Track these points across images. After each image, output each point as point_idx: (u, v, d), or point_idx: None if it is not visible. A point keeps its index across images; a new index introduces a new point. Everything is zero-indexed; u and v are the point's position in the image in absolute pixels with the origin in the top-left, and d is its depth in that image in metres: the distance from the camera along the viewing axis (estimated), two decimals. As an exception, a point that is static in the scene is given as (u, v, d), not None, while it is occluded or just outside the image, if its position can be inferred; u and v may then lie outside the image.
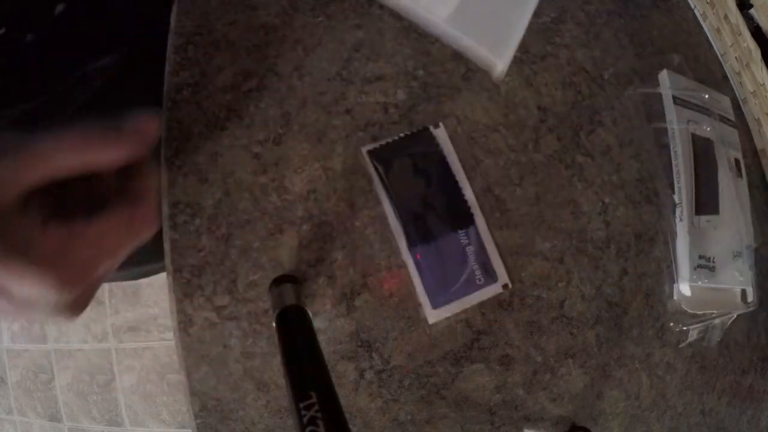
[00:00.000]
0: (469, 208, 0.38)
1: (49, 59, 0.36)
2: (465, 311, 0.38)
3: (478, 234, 0.38)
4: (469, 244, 0.38)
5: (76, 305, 0.24)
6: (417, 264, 0.37)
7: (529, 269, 0.39)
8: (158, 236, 0.34)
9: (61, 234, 0.23)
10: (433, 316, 0.37)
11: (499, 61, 0.19)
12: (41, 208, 0.23)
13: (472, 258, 0.38)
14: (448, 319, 0.37)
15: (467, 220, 0.38)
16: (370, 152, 0.38)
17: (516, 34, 0.20)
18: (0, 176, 0.21)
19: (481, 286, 0.38)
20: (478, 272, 0.38)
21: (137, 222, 0.25)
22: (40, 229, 0.22)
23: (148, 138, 0.24)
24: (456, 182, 0.38)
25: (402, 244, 0.37)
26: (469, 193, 0.38)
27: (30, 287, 0.22)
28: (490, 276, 0.38)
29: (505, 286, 0.38)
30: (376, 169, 0.38)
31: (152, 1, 0.40)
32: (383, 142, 0.38)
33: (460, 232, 0.38)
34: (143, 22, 0.39)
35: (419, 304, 0.37)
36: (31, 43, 0.35)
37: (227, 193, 0.36)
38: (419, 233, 0.37)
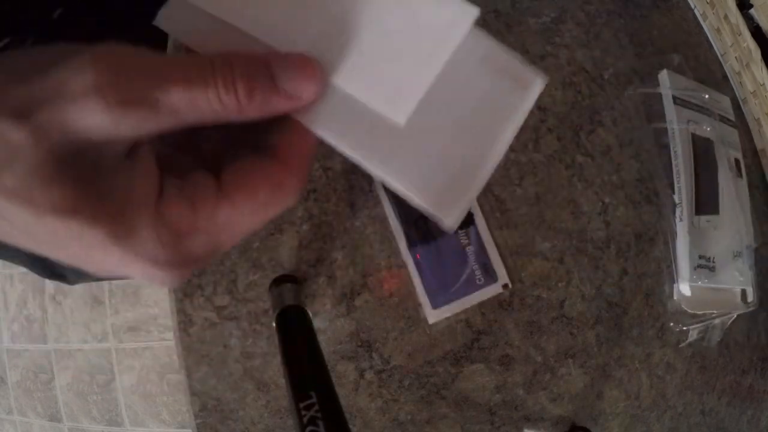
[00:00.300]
0: (469, 208, 0.38)
1: None
2: (465, 311, 0.38)
3: (478, 234, 0.38)
4: (469, 244, 0.38)
5: (177, 284, 0.19)
6: (417, 264, 0.37)
7: (529, 269, 0.39)
8: None
9: (182, 218, 0.16)
10: (433, 316, 0.37)
11: (447, 219, 0.18)
12: (151, 172, 0.16)
13: (472, 258, 0.38)
14: (448, 319, 0.37)
15: (467, 220, 0.38)
16: None
17: (472, 186, 0.18)
18: (120, 116, 0.14)
19: (481, 286, 0.38)
20: (478, 272, 0.38)
21: (286, 189, 0.17)
22: (152, 209, 0.15)
23: (307, 89, 0.17)
24: None
25: (402, 244, 0.37)
26: None
27: (130, 276, 0.16)
28: (490, 276, 0.38)
29: (505, 286, 0.38)
30: None
31: (151, 4, 0.40)
32: None
33: (460, 232, 0.38)
34: (142, 25, 0.39)
35: (419, 304, 0.37)
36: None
37: (227, 193, 0.36)
38: (419, 233, 0.37)
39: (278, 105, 0.16)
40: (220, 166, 0.17)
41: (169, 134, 0.16)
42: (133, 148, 0.16)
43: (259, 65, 0.16)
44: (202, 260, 0.17)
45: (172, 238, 0.16)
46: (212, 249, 0.17)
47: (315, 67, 0.17)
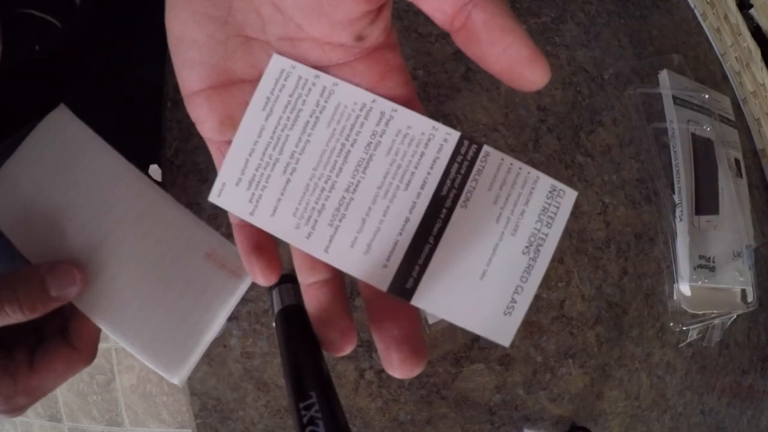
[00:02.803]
0: None
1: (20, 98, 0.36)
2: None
3: None
4: None
5: (17, 416, 0.27)
6: None
7: (529, 269, 0.39)
8: None
9: (7, 385, 0.24)
10: (434, 315, 0.37)
11: (175, 378, 0.26)
12: None
13: None
14: None
15: None
16: None
17: (193, 354, 0.26)
18: None
19: None
20: None
21: (76, 362, 0.26)
22: None
23: (73, 292, 0.25)
24: None
25: None
26: None
27: None
28: None
29: None
30: None
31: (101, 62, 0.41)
32: None
33: None
34: (91, 80, 0.40)
35: None
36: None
37: (227, 193, 0.36)
38: None
39: (53, 305, 0.24)
40: (38, 342, 0.25)
41: None
42: None
43: (36, 281, 0.23)
44: (24, 408, 0.25)
45: (3, 400, 0.24)
46: (32, 400, 0.25)
47: (76, 273, 0.24)
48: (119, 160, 0.26)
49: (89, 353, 0.26)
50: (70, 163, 0.26)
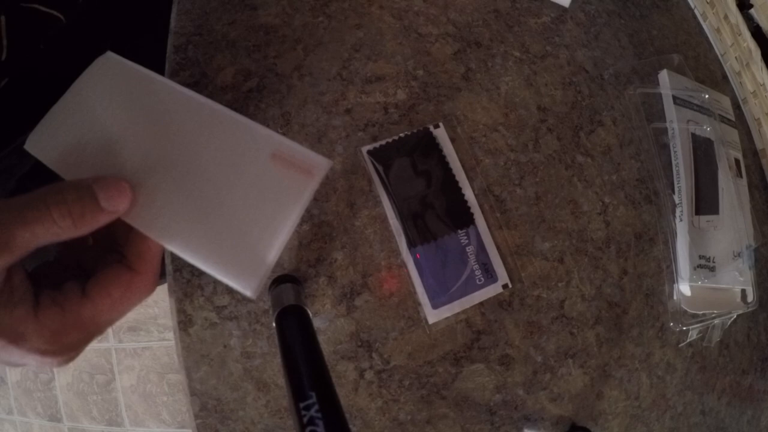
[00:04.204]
0: (469, 208, 0.38)
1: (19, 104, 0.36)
2: (465, 311, 0.38)
3: (478, 234, 0.38)
4: (469, 244, 0.38)
5: (67, 364, 0.24)
6: (417, 264, 0.37)
7: (529, 269, 0.39)
8: None
9: (57, 318, 0.21)
10: (433, 315, 0.37)
11: (248, 291, 0.23)
12: (27, 291, 0.22)
13: (472, 258, 0.38)
14: (447, 319, 0.37)
15: (467, 220, 0.38)
16: (370, 152, 0.38)
17: (267, 260, 0.23)
18: None
19: (481, 286, 0.38)
20: (478, 272, 0.38)
21: (135, 290, 0.23)
22: (32, 317, 0.21)
23: (122, 205, 0.23)
24: (456, 182, 0.38)
25: (402, 243, 0.37)
26: (469, 193, 0.38)
27: (24, 366, 0.22)
28: (490, 276, 0.38)
29: (504, 286, 0.38)
30: (376, 169, 0.38)
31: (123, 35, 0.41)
32: (383, 142, 0.38)
33: (460, 232, 0.38)
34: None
35: (419, 304, 0.37)
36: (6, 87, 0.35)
37: (227, 193, 0.36)
38: (419, 233, 0.37)
39: (102, 219, 0.22)
40: (90, 275, 0.23)
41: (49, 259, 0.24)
42: (7, 277, 0.21)
43: (85, 188, 0.22)
44: (78, 347, 0.23)
45: (51, 335, 0.21)
46: (84, 338, 0.22)
47: (125, 184, 0.23)
48: (167, 83, 0.26)
49: (151, 274, 0.24)
50: (119, 96, 0.26)
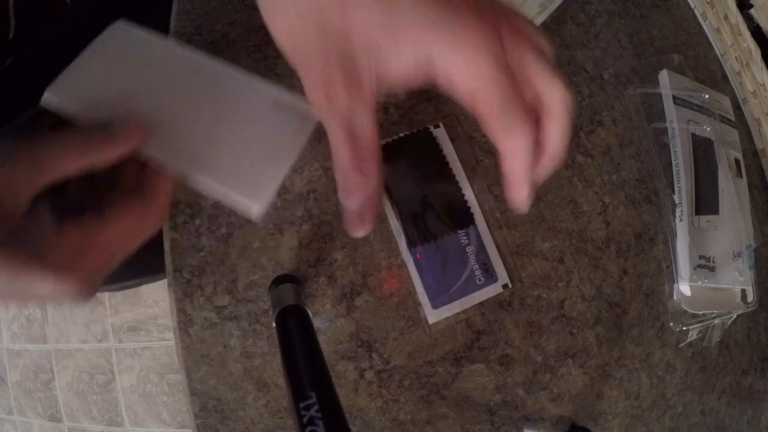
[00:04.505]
0: (469, 208, 0.38)
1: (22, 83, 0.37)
2: (465, 311, 0.38)
3: (478, 234, 0.38)
4: (469, 244, 0.38)
5: (86, 296, 0.25)
6: (417, 264, 0.37)
7: (529, 269, 0.39)
8: (156, 246, 0.35)
9: (76, 237, 0.24)
10: (434, 315, 0.37)
11: (255, 206, 0.26)
12: (53, 211, 0.24)
13: (472, 258, 0.38)
14: (447, 319, 0.37)
15: (467, 220, 0.38)
16: None
17: (273, 182, 0.27)
18: (16, 178, 0.22)
19: (481, 286, 0.38)
20: (478, 272, 0.38)
21: (149, 217, 0.26)
22: (55, 232, 0.23)
23: (138, 137, 0.26)
24: (456, 182, 0.38)
25: (402, 243, 0.37)
26: (469, 193, 0.38)
27: (45, 289, 0.23)
28: (490, 276, 0.38)
29: (504, 286, 0.38)
30: None
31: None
32: (383, 142, 0.38)
33: (460, 232, 0.38)
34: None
35: (419, 304, 0.37)
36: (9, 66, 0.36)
37: (227, 193, 0.36)
38: (419, 233, 0.37)
39: (121, 147, 0.25)
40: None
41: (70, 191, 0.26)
42: (33, 202, 0.23)
43: (106, 125, 0.25)
44: (98, 270, 0.24)
45: (71, 252, 0.23)
46: (103, 260, 0.24)
47: (140, 120, 0.26)
48: (176, 45, 0.29)
49: (162, 205, 0.27)
50: (131, 56, 0.29)
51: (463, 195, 0.38)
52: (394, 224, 0.37)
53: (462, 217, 0.38)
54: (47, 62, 0.36)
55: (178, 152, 0.27)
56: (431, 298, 0.37)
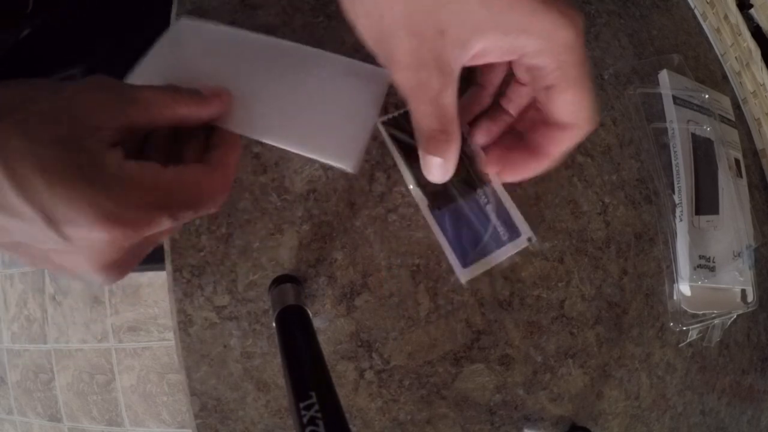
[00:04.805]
0: (484, 166, 0.38)
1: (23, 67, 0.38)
2: (465, 311, 0.38)
3: (495, 192, 0.38)
4: (488, 203, 0.37)
5: (121, 268, 0.24)
6: (441, 225, 0.37)
7: (529, 269, 0.39)
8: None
9: (134, 173, 0.22)
10: (465, 274, 0.36)
11: (348, 166, 0.28)
12: (118, 149, 0.23)
13: (493, 215, 0.37)
14: (478, 278, 0.36)
15: (483, 179, 0.38)
16: (384, 123, 0.38)
17: (361, 142, 0.29)
18: (99, 100, 0.22)
19: (506, 242, 0.37)
20: (500, 228, 0.37)
21: (212, 184, 0.26)
22: (118, 166, 0.22)
23: (226, 102, 0.27)
24: (470, 145, 0.38)
25: (423, 206, 0.37)
26: (482, 154, 0.38)
27: (89, 234, 0.21)
28: (514, 231, 0.37)
29: (529, 239, 0.38)
30: (393, 138, 0.37)
31: (123, 19, 0.43)
32: (396, 114, 0.38)
33: (478, 191, 0.37)
34: (112, 38, 0.42)
35: (450, 268, 0.36)
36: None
37: (227, 193, 0.36)
38: (440, 195, 0.37)
39: (206, 111, 0.26)
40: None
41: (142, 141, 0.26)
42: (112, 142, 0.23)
43: (195, 90, 0.26)
44: (149, 214, 0.22)
45: (129, 183, 0.22)
46: (154, 205, 0.23)
47: (225, 90, 0.28)
48: (241, 31, 0.31)
49: (226, 176, 0.26)
50: (203, 45, 0.31)
51: (477, 154, 0.38)
52: (414, 191, 0.37)
53: (478, 176, 0.38)
54: (61, 34, 0.37)
55: (265, 128, 0.28)
56: (460, 258, 0.36)
